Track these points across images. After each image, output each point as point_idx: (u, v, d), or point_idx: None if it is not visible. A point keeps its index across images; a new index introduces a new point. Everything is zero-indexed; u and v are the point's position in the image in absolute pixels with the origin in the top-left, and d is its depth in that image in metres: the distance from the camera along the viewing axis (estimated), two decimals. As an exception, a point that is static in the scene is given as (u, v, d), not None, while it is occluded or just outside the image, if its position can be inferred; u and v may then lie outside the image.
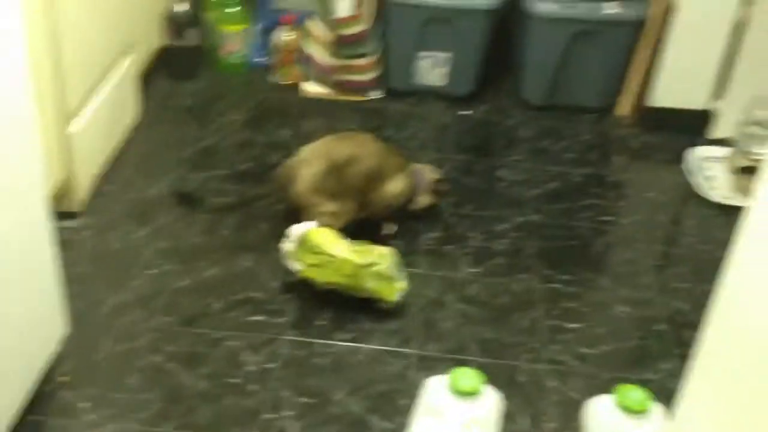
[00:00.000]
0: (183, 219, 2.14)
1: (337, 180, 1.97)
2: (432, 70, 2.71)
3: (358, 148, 2.01)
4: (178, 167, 2.35)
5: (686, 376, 1.45)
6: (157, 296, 1.91)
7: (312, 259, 1.85)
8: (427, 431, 1.33)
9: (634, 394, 1.31)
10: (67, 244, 2.02)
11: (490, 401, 1.35)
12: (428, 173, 2.13)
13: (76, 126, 2.07)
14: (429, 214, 2.17)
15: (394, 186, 2.05)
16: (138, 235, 2.09)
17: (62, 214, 2.10)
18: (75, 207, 2.14)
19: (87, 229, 2.10)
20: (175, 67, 2.77)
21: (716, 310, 1.29)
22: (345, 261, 1.84)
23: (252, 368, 1.75)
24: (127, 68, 2.38)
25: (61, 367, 1.70)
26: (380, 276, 1.84)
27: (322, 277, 1.86)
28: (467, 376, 1.36)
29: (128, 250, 2.04)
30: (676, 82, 2.53)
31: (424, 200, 2.12)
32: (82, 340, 1.77)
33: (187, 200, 2.04)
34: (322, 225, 1.93)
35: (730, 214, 2.27)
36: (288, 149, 2.43)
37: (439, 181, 2.13)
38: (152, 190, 2.25)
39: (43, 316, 1.62)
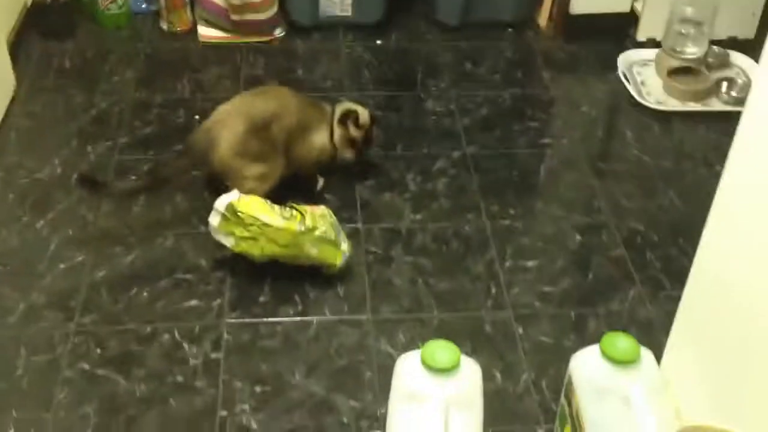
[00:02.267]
0: (86, 200, 1.90)
1: (260, 140, 1.78)
2: (336, -2, 2.49)
3: (278, 104, 1.82)
4: (70, 141, 2.10)
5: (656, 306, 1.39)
6: (72, 293, 1.70)
7: (244, 231, 1.67)
8: (407, 419, 1.20)
9: (621, 342, 1.22)
10: (-44, 247, 1.78)
11: (471, 374, 1.24)
12: (343, 106, 1.92)
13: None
14: (359, 162, 1.99)
15: (319, 138, 1.88)
16: (39, 226, 1.85)
17: (-55, 214, 1.85)
18: (-41, 203, 1.87)
19: (-22, 226, 1.85)
20: (48, 25, 2.46)
21: (700, 255, 1.22)
22: (281, 229, 1.66)
23: (195, 361, 1.58)
24: (-7, 35, 2.08)
25: (-24, 394, 1.50)
26: (322, 240, 1.68)
27: (258, 249, 1.68)
28: (441, 349, 1.23)
29: (31, 245, 1.81)
30: (595, -16, 2.41)
31: (336, 136, 1.90)
32: (-5, 358, 1.56)
33: (90, 185, 1.80)
34: (249, 190, 1.74)
35: (668, 119, 2.22)
36: (191, 105, 2.23)
37: (348, 111, 1.90)
38: (45, 171, 2.00)
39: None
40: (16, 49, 2.29)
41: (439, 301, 1.70)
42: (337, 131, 1.90)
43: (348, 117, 1.90)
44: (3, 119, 2.12)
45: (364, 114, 1.92)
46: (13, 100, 2.19)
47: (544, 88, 2.35)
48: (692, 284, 1.26)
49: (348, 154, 1.93)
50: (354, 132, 1.90)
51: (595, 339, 1.38)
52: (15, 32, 2.32)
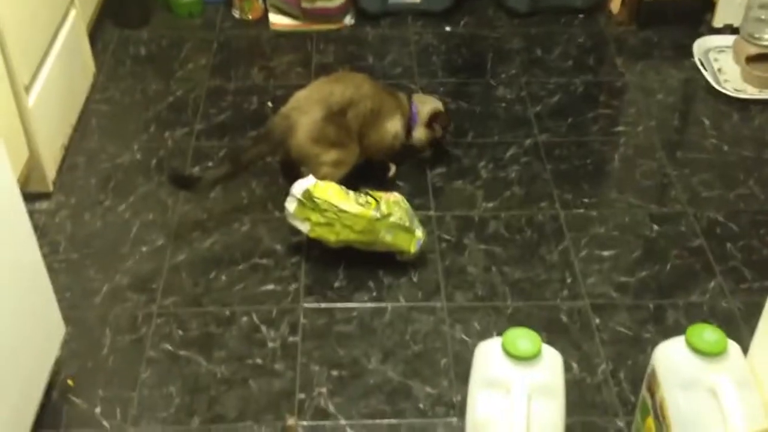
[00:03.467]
0: (166, 185, 1.95)
1: (337, 126, 1.79)
2: (405, -15, 2.49)
3: (355, 90, 1.83)
4: (148, 127, 2.15)
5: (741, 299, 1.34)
6: (154, 276, 1.75)
7: (320, 217, 1.70)
8: (489, 406, 1.21)
9: (708, 334, 1.21)
10: (43, 229, 1.85)
11: (553, 362, 1.24)
12: (428, 104, 1.96)
13: (31, 98, 1.85)
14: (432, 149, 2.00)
15: (393, 125, 1.89)
16: (120, 210, 1.91)
17: (31, 196, 1.91)
18: (44, 187, 1.94)
19: (62, 209, 1.91)
20: (123, 14, 2.51)
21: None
22: (357, 216, 1.68)
23: (273, 344, 1.61)
24: (74, 24, 2.13)
25: (66, 371, 1.55)
26: (397, 227, 1.70)
27: (333, 235, 1.71)
28: (522, 337, 1.23)
29: (112, 228, 1.86)
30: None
31: (421, 135, 1.95)
32: (82, 337, 1.62)
33: (183, 181, 1.85)
34: (324, 175, 1.76)
35: (746, 107, 2.17)
36: (264, 92, 2.26)
37: (437, 113, 1.95)
38: (125, 156, 2.05)
39: (40, 318, 1.46)
40: (93, 37, 2.35)
41: (514, 289, 1.70)
42: (424, 132, 1.92)
43: (435, 119, 1.92)
44: (84, 105, 2.19)
45: (445, 115, 1.96)
46: (92, 87, 2.25)
47: (617, 75, 2.31)
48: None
49: (427, 151, 1.97)
50: (439, 133, 1.93)
51: (675, 331, 1.38)
52: (92, 21, 2.38)
